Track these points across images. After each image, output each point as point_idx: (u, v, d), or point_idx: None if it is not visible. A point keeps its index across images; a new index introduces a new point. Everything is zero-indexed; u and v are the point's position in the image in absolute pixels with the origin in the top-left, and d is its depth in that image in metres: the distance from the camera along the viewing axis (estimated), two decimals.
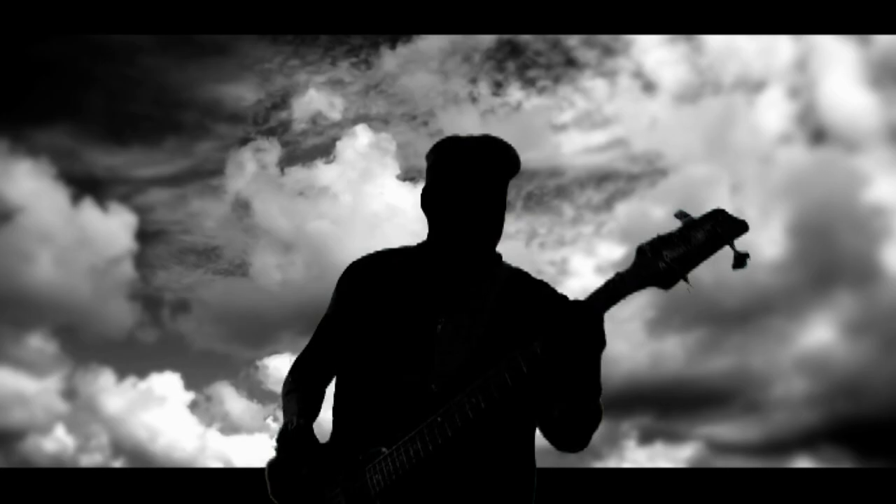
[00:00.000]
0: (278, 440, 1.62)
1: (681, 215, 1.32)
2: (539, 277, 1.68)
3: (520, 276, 1.66)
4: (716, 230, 1.28)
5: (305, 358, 1.79)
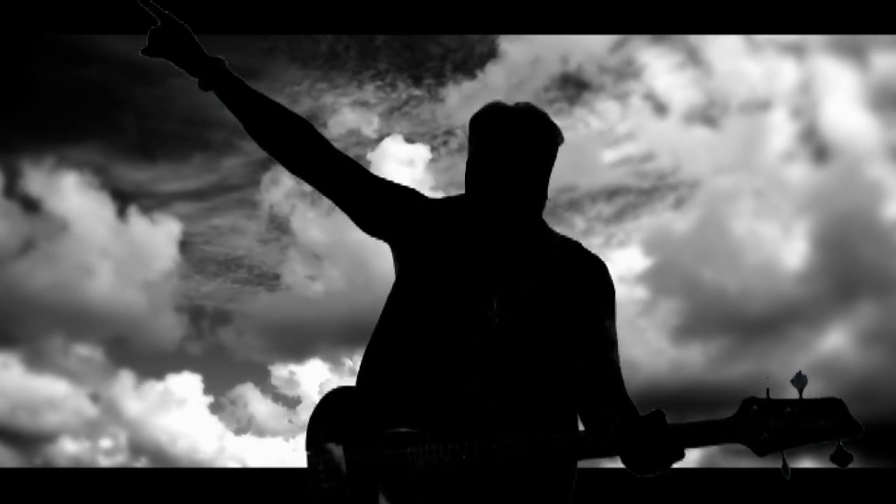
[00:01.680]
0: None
1: (798, 381, 1.29)
2: (589, 249, 1.62)
3: (569, 248, 1.59)
4: (831, 426, 1.27)
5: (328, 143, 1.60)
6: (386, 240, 1.63)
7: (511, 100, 1.58)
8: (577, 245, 1.61)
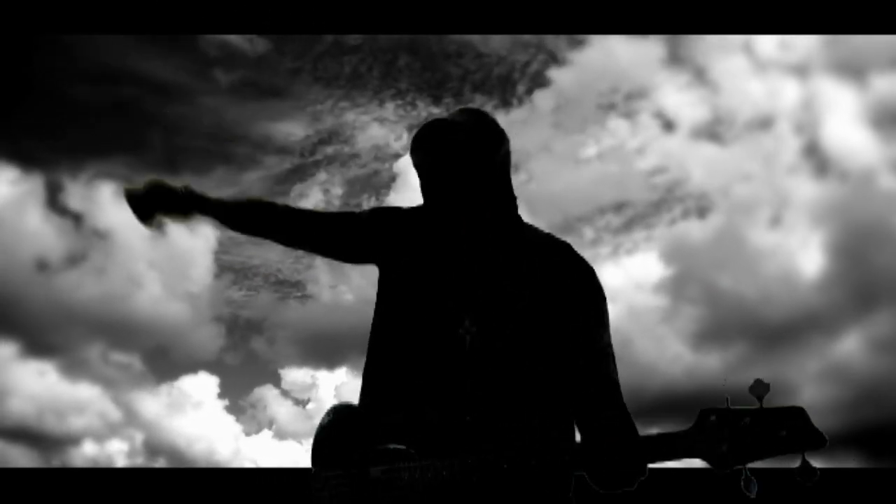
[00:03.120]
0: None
1: (757, 389, 1.19)
2: (578, 252, 1.55)
3: (555, 249, 1.54)
4: (792, 437, 1.17)
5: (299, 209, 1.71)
6: (372, 262, 1.65)
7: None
8: (566, 247, 1.55)
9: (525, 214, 1.59)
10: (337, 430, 1.55)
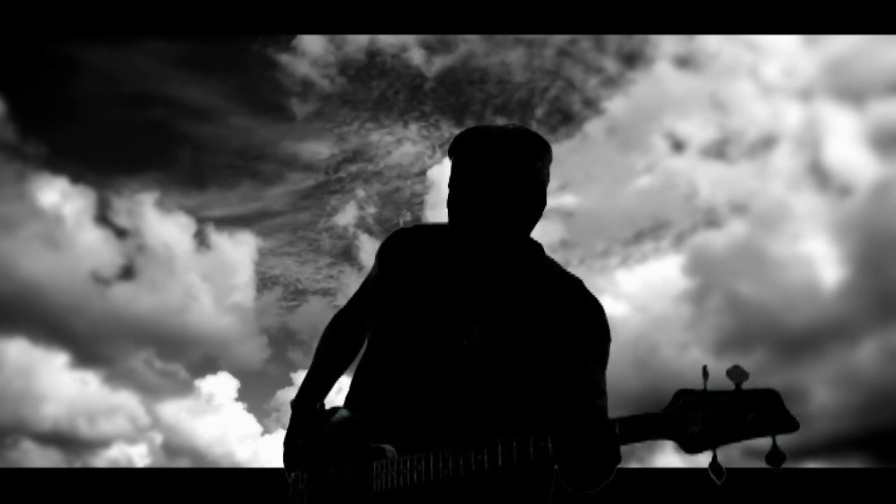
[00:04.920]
0: (292, 406, 1.67)
1: (735, 374, 1.15)
2: (589, 290, 1.53)
3: (567, 284, 1.51)
4: (764, 419, 1.13)
5: (347, 317, 1.73)
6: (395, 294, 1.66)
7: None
8: (578, 283, 1.53)
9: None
10: (329, 430, 1.56)
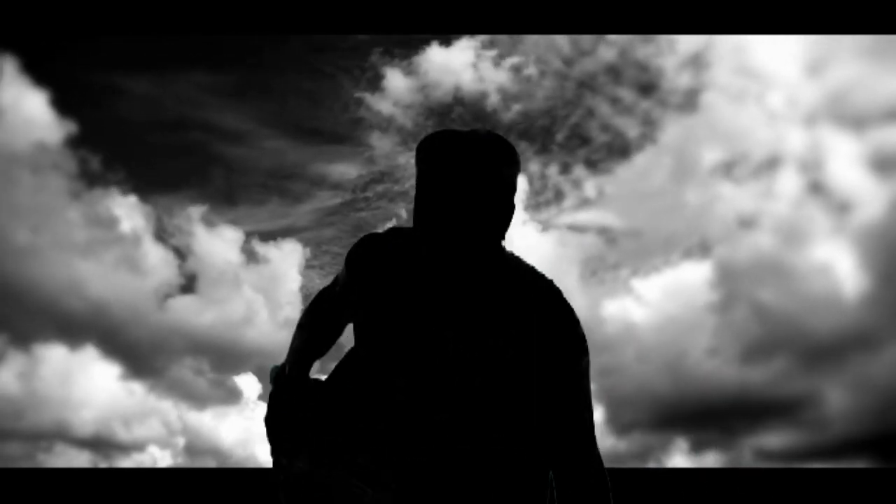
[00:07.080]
0: (279, 377, 1.71)
1: None
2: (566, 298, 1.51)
3: (541, 290, 1.49)
4: None
5: (326, 298, 1.74)
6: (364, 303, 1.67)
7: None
8: (556, 291, 1.51)
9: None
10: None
